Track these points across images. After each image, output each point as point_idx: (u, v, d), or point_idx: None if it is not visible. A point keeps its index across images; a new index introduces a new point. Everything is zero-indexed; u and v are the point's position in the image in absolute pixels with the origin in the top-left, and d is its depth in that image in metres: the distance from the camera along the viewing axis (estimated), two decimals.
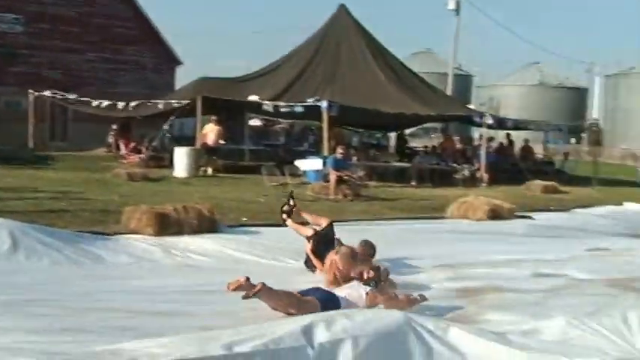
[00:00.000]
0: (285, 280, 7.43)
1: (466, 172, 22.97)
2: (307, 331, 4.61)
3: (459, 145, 27.49)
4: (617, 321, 6.23)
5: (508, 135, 29.03)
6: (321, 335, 4.62)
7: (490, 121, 24.24)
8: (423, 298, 6.79)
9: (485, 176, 22.95)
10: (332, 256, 7.18)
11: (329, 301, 6.10)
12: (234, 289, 5.81)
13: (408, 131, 32.44)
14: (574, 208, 17.20)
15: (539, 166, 27.48)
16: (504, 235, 12.55)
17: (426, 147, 28.38)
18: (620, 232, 14.51)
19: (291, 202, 9.25)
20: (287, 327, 4.68)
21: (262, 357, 4.31)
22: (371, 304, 6.26)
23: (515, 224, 13.90)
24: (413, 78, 27.23)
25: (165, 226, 9.96)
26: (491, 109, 31.57)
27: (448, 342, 5.00)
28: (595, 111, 63.09)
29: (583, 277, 9.05)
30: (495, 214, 14.22)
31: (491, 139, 29.15)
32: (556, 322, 6.08)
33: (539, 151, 30.90)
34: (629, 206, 17.82)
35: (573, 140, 34.06)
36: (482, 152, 23.93)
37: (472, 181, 22.58)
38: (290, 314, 5.91)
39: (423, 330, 4.95)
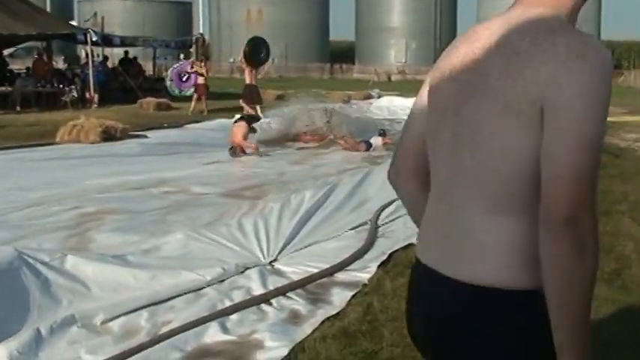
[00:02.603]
0: None
1: (74, 94, 22.30)
2: None
3: (61, 65, 26.41)
4: (233, 229, 6.66)
5: (126, 52, 28.72)
6: None
7: (95, 38, 23.68)
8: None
9: (96, 96, 22.56)
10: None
11: (369, 145, 13.88)
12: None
13: (6, 52, 30.36)
14: (187, 123, 17.75)
15: (150, 83, 27.66)
16: (120, 157, 12.55)
17: (28, 69, 26.83)
18: None
19: None
20: None
21: None
22: (384, 144, 13.89)
23: (131, 144, 13.97)
24: None
25: None
26: (95, 26, 30.73)
27: (66, 271, 4.92)
28: (200, 25, 64.83)
29: (201, 191, 9.47)
30: (109, 136, 14.14)
31: (106, 58, 28.52)
32: (175, 237, 6.30)
33: (149, 68, 31.08)
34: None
35: (182, 56, 34.66)
36: (90, 71, 23.38)
37: (82, 103, 22.06)
38: (357, 150, 13.67)
39: (37, 262, 4.79)
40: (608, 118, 1.53)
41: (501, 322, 1.61)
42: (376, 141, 14.18)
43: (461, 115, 1.64)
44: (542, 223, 1.49)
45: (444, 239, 1.69)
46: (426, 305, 1.74)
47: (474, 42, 1.67)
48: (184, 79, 21.40)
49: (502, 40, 1.60)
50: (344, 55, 62.14)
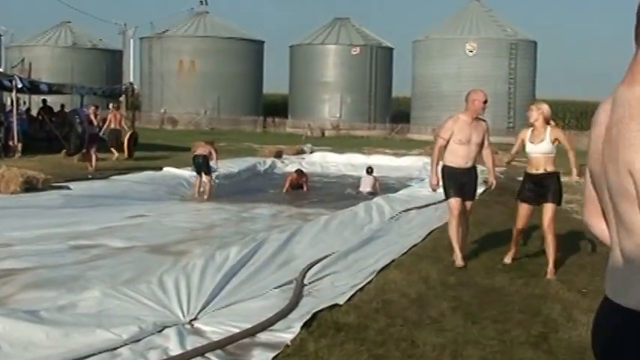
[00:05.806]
0: None
1: None
2: None
3: None
4: (153, 286, 6.59)
5: (44, 101, 28.38)
6: None
7: (20, 85, 23.37)
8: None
9: (19, 145, 22.21)
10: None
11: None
12: None
13: None
14: (112, 175, 17.55)
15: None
16: (40, 209, 12.31)
17: None
18: (161, 197, 15.25)
19: None
20: None
21: None
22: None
23: (52, 195, 13.75)
24: None
25: None
26: (22, 72, 30.37)
27: None
28: (131, 74, 64.49)
29: (121, 246, 9.35)
30: (30, 186, 13.90)
31: (28, 109, 28.10)
32: (92, 294, 6.20)
33: None
34: (169, 171, 18.71)
35: (111, 105, 34.30)
36: (14, 120, 23.01)
37: (5, 152, 21.67)
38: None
39: None
40: None
41: None
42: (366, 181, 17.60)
43: (608, 178, 2.05)
44: None
45: (624, 279, 2.05)
46: (604, 331, 2.13)
47: (609, 113, 2.05)
48: None
49: (626, 114, 1.98)
50: (277, 108, 62.42)
